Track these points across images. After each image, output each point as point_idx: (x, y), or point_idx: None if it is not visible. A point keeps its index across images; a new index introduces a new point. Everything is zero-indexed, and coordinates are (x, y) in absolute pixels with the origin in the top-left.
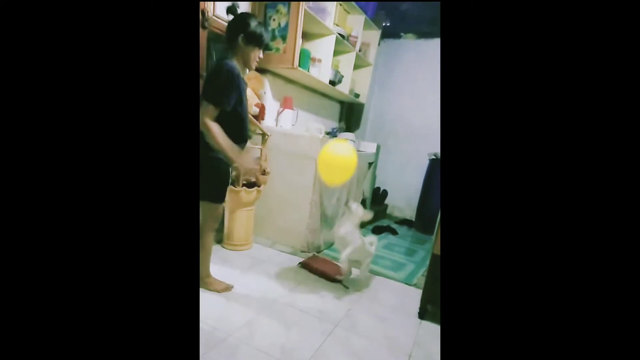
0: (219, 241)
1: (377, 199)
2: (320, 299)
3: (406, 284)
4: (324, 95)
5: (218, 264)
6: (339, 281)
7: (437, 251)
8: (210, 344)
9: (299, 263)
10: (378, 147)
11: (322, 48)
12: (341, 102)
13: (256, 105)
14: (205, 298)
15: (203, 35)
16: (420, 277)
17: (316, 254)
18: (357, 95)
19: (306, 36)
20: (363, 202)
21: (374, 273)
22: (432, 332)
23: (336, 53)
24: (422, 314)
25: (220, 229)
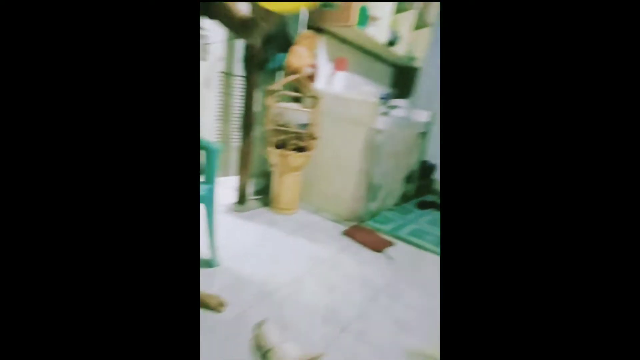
0: (266, 204)
1: (422, 173)
2: (363, 266)
3: None
4: (376, 57)
5: (264, 225)
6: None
7: None
8: (259, 297)
9: (343, 231)
10: (432, 117)
11: (380, 5)
12: (394, 66)
13: (310, 65)
14: (255, 255)
15: None
16: None
17: (359, 224)
18: (413, 59)
19: None
20: (410, 176)
21: (419, 247)
22: None
23: (394, 11)
24: None
25: (267, 192)
